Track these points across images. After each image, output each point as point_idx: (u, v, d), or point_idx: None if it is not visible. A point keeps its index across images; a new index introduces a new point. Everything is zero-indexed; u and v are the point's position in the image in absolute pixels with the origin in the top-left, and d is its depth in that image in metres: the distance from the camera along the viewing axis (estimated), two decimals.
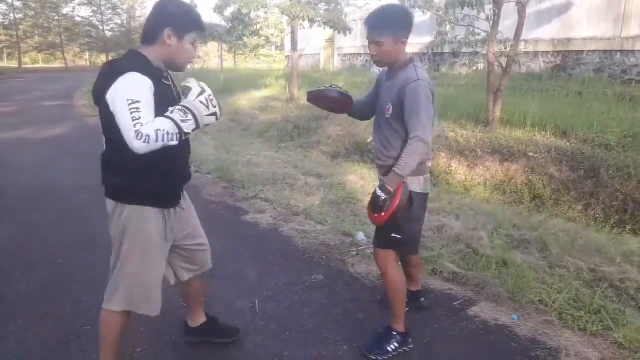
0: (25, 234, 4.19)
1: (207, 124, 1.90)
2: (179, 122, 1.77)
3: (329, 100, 2.66)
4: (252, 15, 12.93)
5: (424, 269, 3.30)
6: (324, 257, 3.80)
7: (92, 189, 5.55)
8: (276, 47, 39.77)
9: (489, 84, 7.40)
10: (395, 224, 2.39)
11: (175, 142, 1.77)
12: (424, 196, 2.51)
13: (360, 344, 2.60)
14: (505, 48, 7.31)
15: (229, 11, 13.00)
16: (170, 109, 1.81)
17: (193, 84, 1.92)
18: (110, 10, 49.06)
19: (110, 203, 2.05)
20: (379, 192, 2.31)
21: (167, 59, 1.97)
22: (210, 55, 35.37)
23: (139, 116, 1.70)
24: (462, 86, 10.91)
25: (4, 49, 44.90)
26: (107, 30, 49.12)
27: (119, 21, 50.61)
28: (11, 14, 42.05)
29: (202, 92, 1.88)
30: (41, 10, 43.52)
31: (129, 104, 1.71)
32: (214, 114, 1.90)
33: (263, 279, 3.41)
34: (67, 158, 7.27)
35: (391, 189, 2.28)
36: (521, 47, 7.51)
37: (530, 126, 7.08)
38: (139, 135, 1.68)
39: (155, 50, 1.94)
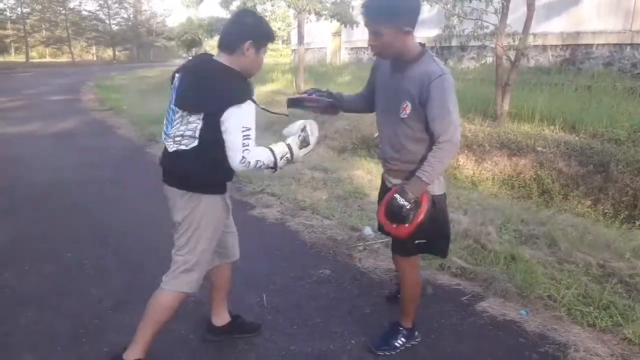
0: (34, 228, 4.21)
1: (299, 158, 2.23)
2: (277, 158, 2.13)
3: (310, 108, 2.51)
4: (259, 9, 12.88)
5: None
6: (331, 251, 3.80)
7: (100, 182, 5.59)
8: (283, 41, 39.71)
9: (498, 78, 7.36)
10: (419, 230, 2.19)
11: (268, 171, 2.14)
12: (443, 197, 2.33)
13: (367, 340, 2.60)
14: (514, 42, 7.25)
15: (235, 5, 12.97)
16: (276, 146, 2.16)
17: (306, 126, 2.25)
18: (116, 5, 49.24)
19: (180, 194, 2.17)
20: (401, 201, 2.06)
21: (243, 67, 2.12)
22: (216, 50, 35.40)
23: (248, 143, 2.00)
24: (470, 80, 10.84)
25: (12, 44, 45.10)
26: (113, 24, 49.38)
27: (125, 15, 50.81)
28: (19, 9, 42.25)
29: (299, 128, 2.23)
30: (48, 4, 43.71)
31: (243, 131, 1.99)
32: (310, 151, 2.27)
33: (271, 273, 3.42)
34: (75, 152, 7.30)
35: (415, 197, 2.07)
36: (530, 40, 7.45)
37: (539, 121, 7.03)
38: (243, 160, 2.00)
39: (235, 60, 2.11)
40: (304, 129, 2.24)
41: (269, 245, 3.93)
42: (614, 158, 5.58)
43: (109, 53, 50.08)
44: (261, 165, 2.06)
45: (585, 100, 7.73)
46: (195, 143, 2.07)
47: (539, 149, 6.17)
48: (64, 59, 44.89)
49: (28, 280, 3.27)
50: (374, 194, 5.08)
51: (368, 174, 5.92)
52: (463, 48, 14.39)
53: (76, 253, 3.68)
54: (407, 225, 2.11)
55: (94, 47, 51.23)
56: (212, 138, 2.03)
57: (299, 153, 2.21)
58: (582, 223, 4.29)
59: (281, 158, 2.14)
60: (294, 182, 5.60)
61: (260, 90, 13.62)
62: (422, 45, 2.18)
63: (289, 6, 11.74)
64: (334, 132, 8.67)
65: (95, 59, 49.08)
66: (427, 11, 14.88)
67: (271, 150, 2.12)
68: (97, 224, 4.26)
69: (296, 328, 2.76)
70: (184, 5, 18.16)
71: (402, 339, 2.53)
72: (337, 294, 3.15)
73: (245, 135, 1.99)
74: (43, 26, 45.16)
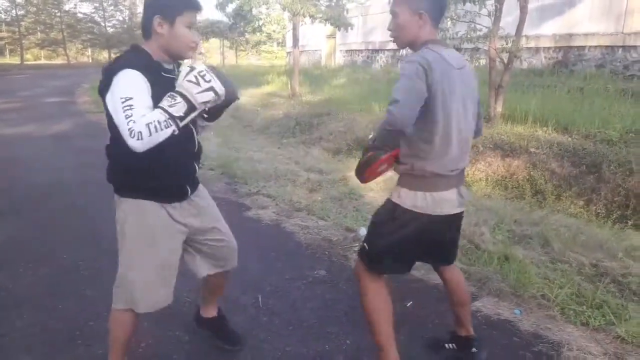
0: (30, 229, 4.21)
1: (205, 101, 1.77)
2: (167, 108, 1.72)
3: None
4: (254, 11, 12.91)
5: (469, 303, 2.46)
6: (326, 252, 3.81)
7: (96, 184, 5.56)
8: (278, 44, 39.77)
9: (491, 80, 7.40)
10: (371, 232, 2.19)
11: (172, 129, 1.71)
12: (415, 215, 2.03)
13: (362, 340, 2.61)
14: (507, 44, 7.31)
15: (231, 8, 13.00)
16: (164, 100, 1.76)
17: (183, 67, 1.84)
18: (112, 7, 49.11)
19: (115, 196, 2.08)
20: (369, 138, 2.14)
21: (165, 49, 1.90)
22: (212, 51, 35.42)
23: (131, 114, 1.67)
24: None
25: (7, 46, 44.96)
26: (109, 26, 49.17)
27: (121, 17, 50.65)
28: (13, 11, 42.10)
29: (191, 70, 1.77)
30: (43, 6, 43.58)
31: (122, 103, 1.69)
32: (210, 88, 1.76)
33: (266, 274, 3.43)
34: (71, 154, 7.29)
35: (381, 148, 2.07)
36: (523, 43, 7.51)
37: (532, 122, 7.08)
38: (132, 133, 1.65)
39: (153, 43, 1.89)
40: (189, 71, 1.79)
41: (265, 246, 3.94)
42: (606, 159, 5.63)
43: (104, 55, 49.93)
44: (156, 127, 1.67)
45: (578, 102, 7.80)
46: (109, 134, 1.92)
47: (532, 150, 6.22)
48: (59, 61, 44.75)
49: (24, 281, 3.26)
50: (369, 195, 5.11)
51: None
52: (456, 50, 14.44)
53: (72, 255, 3.67)
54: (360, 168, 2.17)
55: (89, 49, 51.07)
56: (113, 133, 1.84)
57: (194, 93, 1.74)
58: (575, 223, 4.33)
59: (170, 106, 1.72)
60: (289, 183, 5.61)
61: (256, 92, 13.64)
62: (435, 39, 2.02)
63: (284, 9, 11.77)
64: (329, 133, 8.71)
65: (90, 61, 48.92)
66: None
67: (159, 107, 1.74)
68: (94, 225, 4.26)
69: (292, 329, 2.77)
70: None
71: None
72: (332, 294, 3.17)
73: (125, 107, 1.68)
74: (38, 28, 45.01)
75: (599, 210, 5.25)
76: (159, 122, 1.68)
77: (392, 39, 2.11)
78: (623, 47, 10.79)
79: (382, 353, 2.19)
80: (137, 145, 1.66)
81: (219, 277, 2.44)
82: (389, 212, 2.11)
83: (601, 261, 3.44)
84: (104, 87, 1.82)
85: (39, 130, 9.48)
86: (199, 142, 2.11)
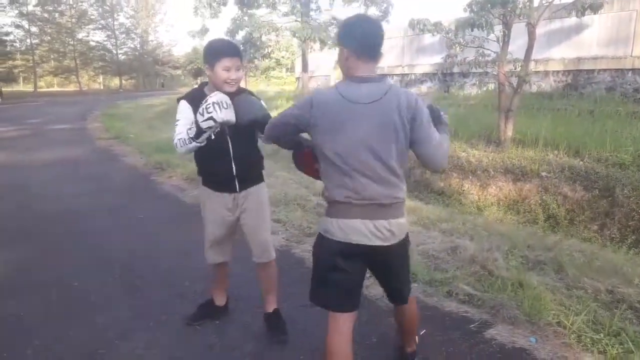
0: (41, 255, 4.22)
1: (208, 127, 2.40)
2: (188, 132, 2.50)
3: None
4: (264, 38, 13.13)
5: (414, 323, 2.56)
6: None
7: (105, 211, 5.61)
8: (287, 70, 40.26)
9: (500, 104, 7.41)
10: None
11: (195, 144, 2.48)
12: (328, 241, 2.15)
13: None
14: (516, 68, 7.34)
15: (240, 35, 13.22)
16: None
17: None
18: (124, 35, 50.23)
19: None
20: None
21: (213, 84, 2.60)
22: None
23: (176, 130, 2.57)
24: (472, 106, 10.93)
25: (20, 74, 45.88)
26: (120, 54, 50.23)
27: (132, 45, 51.74)
28: (28, 40, 43.09)
29: (204, 103, 2.40)
30: (57, 35, 44.59)
31: (175, 122, 2.60)
32: (210, 118, 2.37)
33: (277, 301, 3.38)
34: (81, 181, 7.34)
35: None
36: (532, 66, 7.55)
37: (543, 146, 7.06)
38: (174, 143, 2.56)
39: (209, 80, 2.64)
40: (202, 104, 2.42)
41: None
42: (619, 182, 5.58)
43: (115, 82, 50.82)
44: (183, 142, 2.49)
45: (589, 125, 7.77)
46: None
47: (544, 174, 6.18)
48: (72, 88, 45.56)
49: (34, 308, 3.26)
50: None
51: None
52: (465, 75, 14.54)
53: (82, 281, 3.67)
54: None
55: (101, 76, 52.02)
56: None
57: (199, 122, 2.40)
58: (589, 248, 4.26)
59: (190, 129, 2.48)
60: (299, 208, 5.60)
61: None
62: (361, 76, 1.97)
63: (293, 35, 11.96)
64: None
65: (102, 87, 49.79)
66: (429, 39, 15.14)
67: (188, 130, 2.52)
68: (103, 251, 4.26)
69: (303, 358, 2.73)
70: (190, 35, 18.47)
71: None
72: None
73: (175, 125, 2.58)
74: (51, 56, 45.97)
75: (613, 235, 5.19)
76: (184, 140, 2.51)
77: None
78: (633, 70, 10.80)
79: None
80: (177, 150, 2.56)
81: (261, 270, 3.07)
82: (317, 238, 2.25)
83: (617, 287, 3.37)
84: None
85: (50, 156, 9.60)
86: (237, 150, 2.67)
